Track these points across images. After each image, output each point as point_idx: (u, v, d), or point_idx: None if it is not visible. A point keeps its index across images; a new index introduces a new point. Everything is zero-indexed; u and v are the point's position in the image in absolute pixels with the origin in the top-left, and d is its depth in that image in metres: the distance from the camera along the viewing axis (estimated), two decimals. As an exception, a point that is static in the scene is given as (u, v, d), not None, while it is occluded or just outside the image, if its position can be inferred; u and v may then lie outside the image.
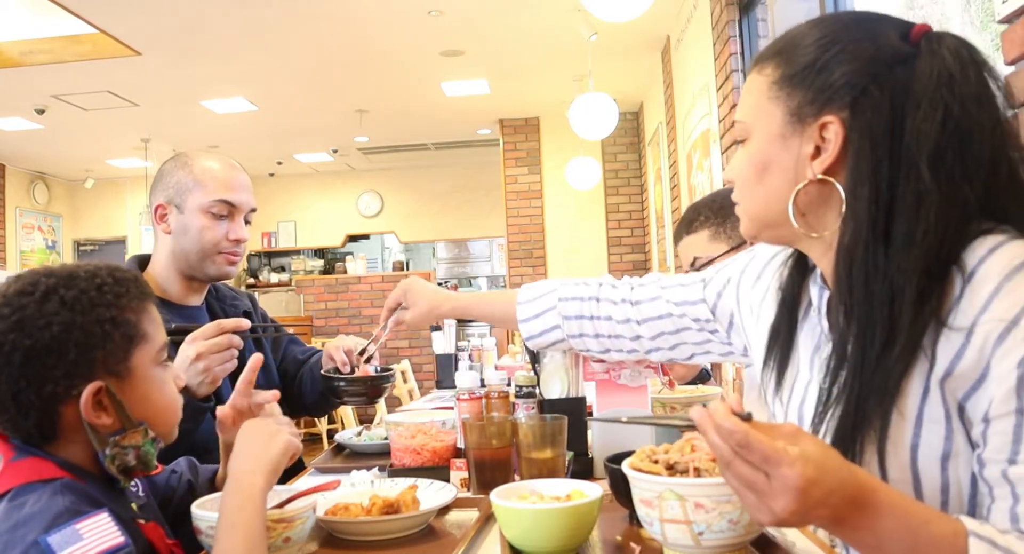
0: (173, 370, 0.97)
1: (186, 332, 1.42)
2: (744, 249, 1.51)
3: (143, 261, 1.69)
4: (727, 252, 1.54)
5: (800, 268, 0.96)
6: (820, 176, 0.82)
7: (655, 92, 6.07)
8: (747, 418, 0.68)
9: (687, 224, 1.62)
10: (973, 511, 0.76)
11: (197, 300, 1.69)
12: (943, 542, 0.67)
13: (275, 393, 1.00)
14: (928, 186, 0.76)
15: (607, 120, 4.38)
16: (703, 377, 1.82)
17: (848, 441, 0.78)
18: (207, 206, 1.61)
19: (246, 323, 1.42)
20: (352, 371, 1.66)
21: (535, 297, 1.27)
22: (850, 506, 0.67)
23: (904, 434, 0.77)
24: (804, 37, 0.85)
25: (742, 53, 3.68)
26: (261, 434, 0.99)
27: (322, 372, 1.70)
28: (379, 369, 1.73)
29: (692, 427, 0.73)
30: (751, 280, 1.07)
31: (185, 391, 1.17)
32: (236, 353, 1.42)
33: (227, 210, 1.63)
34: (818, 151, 0.82)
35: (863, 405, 0.78)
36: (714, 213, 1.58)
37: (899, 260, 0.76)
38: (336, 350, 1.68)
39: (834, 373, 0.82)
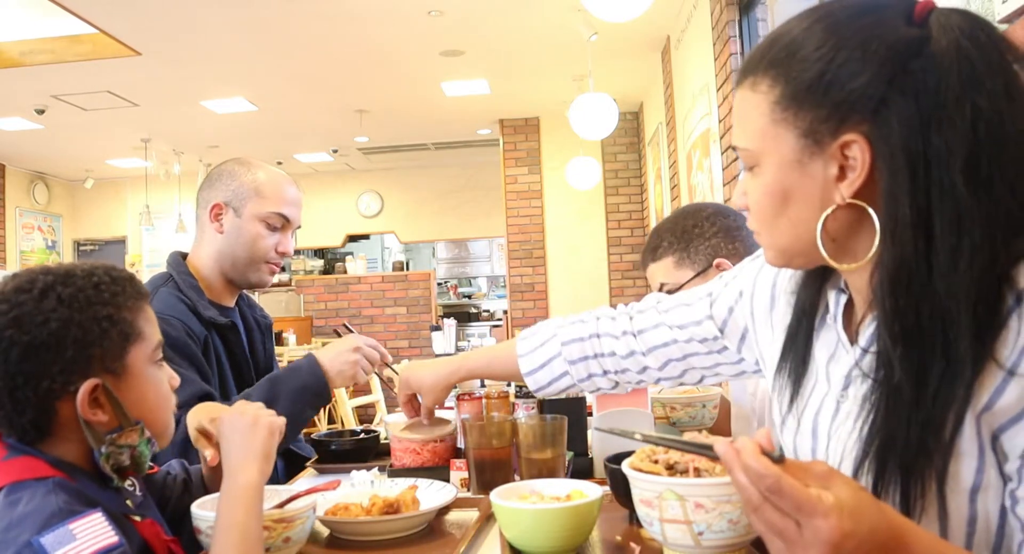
0: (167, 370, 0.98)
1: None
2: (711, 274, 1.51)
3: (183, 255, 1.75)
4: (694, 277, 1.54)
5: (817, 271, 0.88)
6: (849, 200, 0.74)
7: (655, 92, 6.07)
8: (779, 459, 0.63)
9: (652, 251, 1.62)
10: (1001, 543, 0.73)
11: (230, 302, 1.76)
12: None
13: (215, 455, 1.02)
14: (966, 200, 0.68)
15: (607, 120, 4.38)
16: None
17: (914, 478, 0.72)
18: (264, 216, 1.68)
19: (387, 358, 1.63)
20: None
21: (536, 347, 1.22)
22: (881, 551, 0.64)
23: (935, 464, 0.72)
24: (800, 44, 0.76)
25: (742, 53, 3.68)
26: (241, 423, 0.98)
27: (312, 438, 1.66)
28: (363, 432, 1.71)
29: (715, 457, 0.68)
30: (767, 287, 1.00)
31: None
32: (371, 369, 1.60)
33: (281, 223, 1.71)
34: (843, 172, 0.74)
35: (924, 442, 0.71)
36: (677, 239, 1.58)
37: (947, 285, 0.69)
38: None
39: (887, 403, 0.74)
